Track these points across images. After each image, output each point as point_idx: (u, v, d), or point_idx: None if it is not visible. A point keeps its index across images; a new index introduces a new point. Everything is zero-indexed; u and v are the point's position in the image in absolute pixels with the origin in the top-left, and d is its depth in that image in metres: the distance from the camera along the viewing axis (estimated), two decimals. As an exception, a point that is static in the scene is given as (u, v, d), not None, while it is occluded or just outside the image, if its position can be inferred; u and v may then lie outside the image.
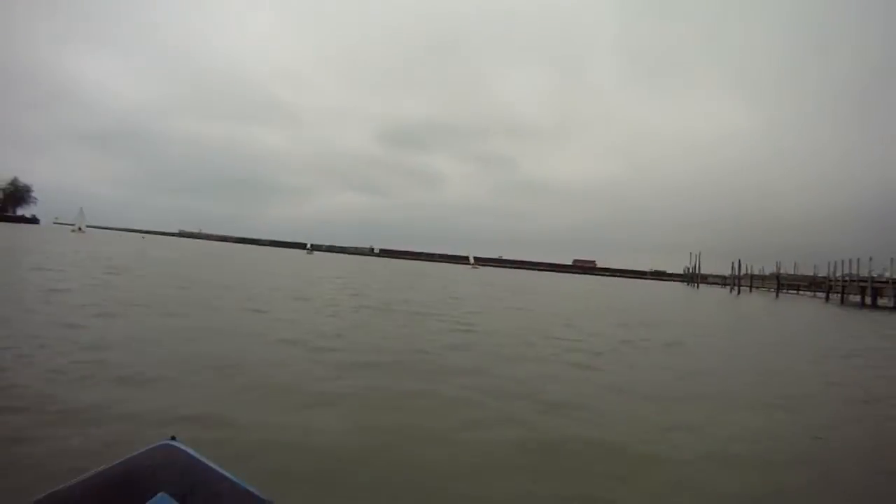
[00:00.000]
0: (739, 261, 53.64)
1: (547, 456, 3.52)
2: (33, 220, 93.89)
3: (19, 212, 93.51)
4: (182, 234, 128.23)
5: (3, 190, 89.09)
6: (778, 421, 4.83)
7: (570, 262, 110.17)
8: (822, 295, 40.31)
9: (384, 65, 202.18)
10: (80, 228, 68.84)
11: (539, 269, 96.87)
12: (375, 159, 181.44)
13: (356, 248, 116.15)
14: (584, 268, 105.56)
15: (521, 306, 16.32)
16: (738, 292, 49.61)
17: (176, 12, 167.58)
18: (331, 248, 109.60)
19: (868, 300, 32.82)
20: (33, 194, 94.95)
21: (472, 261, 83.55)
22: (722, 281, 65.44)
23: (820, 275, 42.32)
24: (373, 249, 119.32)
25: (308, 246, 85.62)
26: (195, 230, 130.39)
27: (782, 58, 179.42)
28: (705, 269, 68.66)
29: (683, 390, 5.88)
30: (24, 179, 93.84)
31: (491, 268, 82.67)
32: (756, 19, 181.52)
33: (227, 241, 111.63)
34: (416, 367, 5.94)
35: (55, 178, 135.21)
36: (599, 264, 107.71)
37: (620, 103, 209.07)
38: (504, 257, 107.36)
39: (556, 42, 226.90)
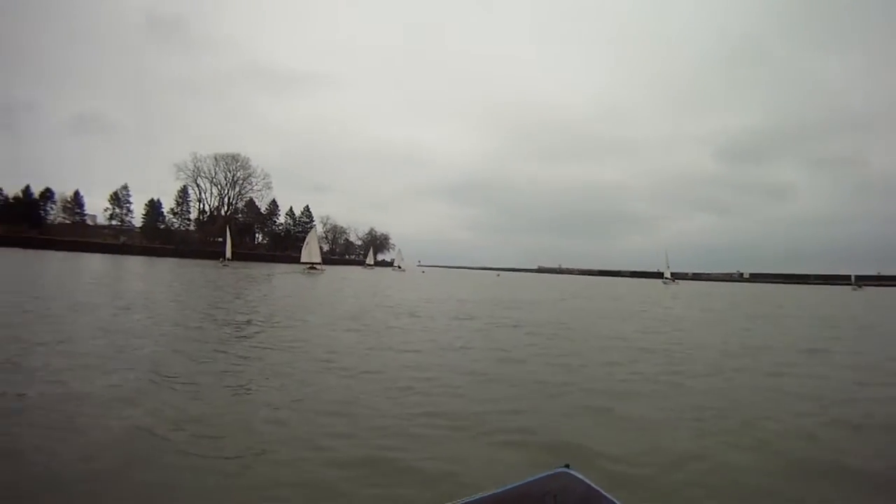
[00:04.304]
0: None
1: None
2: (392, 264, 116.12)
3: (380, 257, 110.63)
4: (540, 270, 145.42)
5: (362, 239, 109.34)
6: None
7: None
8: None
9: (697, 80, 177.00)
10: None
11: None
12: (718, 178, 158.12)
13: (722, 273, 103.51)
14: None
15: None
16: None
17: (497, 76, 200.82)
18: (696, 276, 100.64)
19: None
20: (391, 241, 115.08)
21: (852, 280, 70.74)
22: None
23: None
24: (742, 274, 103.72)
25: (668, 275, 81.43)
26: (554, 266, 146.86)
27: None
28: None
29: None
30: (381, 230, 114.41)
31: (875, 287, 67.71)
32: None
33: (588, 274, 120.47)
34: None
35: (413, 229, 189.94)
36: None
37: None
38: (883, 273, 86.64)
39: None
